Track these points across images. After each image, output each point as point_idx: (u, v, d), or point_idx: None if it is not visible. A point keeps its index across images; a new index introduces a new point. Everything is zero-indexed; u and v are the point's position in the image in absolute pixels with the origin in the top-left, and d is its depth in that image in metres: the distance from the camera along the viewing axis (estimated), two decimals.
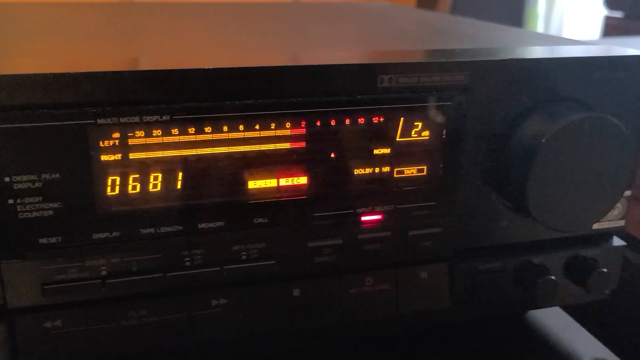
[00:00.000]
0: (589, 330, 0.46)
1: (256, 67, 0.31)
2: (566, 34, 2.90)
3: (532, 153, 0.33)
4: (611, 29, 1.59)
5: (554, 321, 0.46)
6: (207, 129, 0.32)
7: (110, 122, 0.29)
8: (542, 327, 0.46)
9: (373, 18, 0.61)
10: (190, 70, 0.30)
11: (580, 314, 0.49)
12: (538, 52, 0.37)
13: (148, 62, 0.33)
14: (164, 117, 0.30)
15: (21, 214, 0.29)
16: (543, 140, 0.33)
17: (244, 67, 0.31)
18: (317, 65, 0.32)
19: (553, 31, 2.98)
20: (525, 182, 0.34)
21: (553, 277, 0.38)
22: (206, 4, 0.69)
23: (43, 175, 0.29)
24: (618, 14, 1.62)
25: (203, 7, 0.65)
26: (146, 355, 0.34)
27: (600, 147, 0.34)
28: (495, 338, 0.44)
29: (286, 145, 0.33)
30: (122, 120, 0.29)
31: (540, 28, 2.94)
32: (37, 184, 0.29)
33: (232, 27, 0.53)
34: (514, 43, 0.43)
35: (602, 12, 1.70)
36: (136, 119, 0.30)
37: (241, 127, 0.32)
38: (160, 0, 0.84)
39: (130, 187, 0.31)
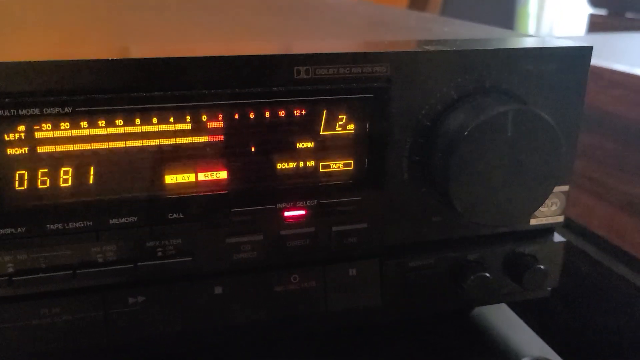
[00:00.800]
0: (535, 328, 0.45)
1: (167, 57, 0.30)
2: (557, 33, 2.89)
3: (455, 146, 0.33)
4: (595, 26, 1.59)
5: (499, 319, 0.46)
6: (119, 122, 0.31)
7: (14, 114, 0.29)
8: (486, 325, 0.45)
9: (319, 11, 0.60)
10: (93, 61, 0.29)
11: (530, 311, 0.48)
12: (466, 43, 0.36)
13: (50, 53, 0.32)
14: (66, 110, 0.29)
15: None
16: (465, 133, 0.32)
17: (156, 58, 0.30)
18: (232, 56, 0.31)
19: (544, 30, 2.97)
20: (448, 176, 0.33)
21: (487, 274, 0.37)
22: None
23: None
24: (602, 12, 1.62)
25: None
26: (61, 355, 0.33)
27: (526, 141, 0.33)
28: (438, 335, 0.44)
29: (204, 139, 0.32)
30: (21, 112, 0.29)
31: (531, 27, 2.93)
32: None
33: (165, 15, 0.51)
34: (445, 34, 0.42)
35: (587, 10, 1.69)
36: (37, 111, 0.29)
37: (155, 120, 0.31)
38: None
39: (39, 182, 0.30)
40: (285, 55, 0.32)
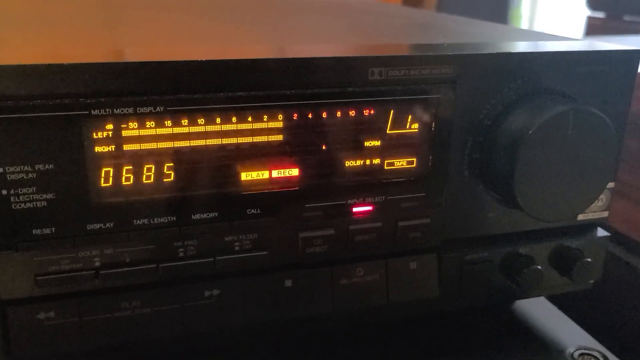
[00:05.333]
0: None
1: (249, 59, 0.32)
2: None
3: (519, 145, 0.34)
4: (593, 29, 1.62)
5: (540, 311, 0.47)
6: (200, 121, 0.32)
7: (104, 113, 0.30)
8: (528, 317, 0.47)
9: (359, 13, 0.61)
10: (183, 62, 0.30)
11: (564, 304, 0.50)
12: (524, 46, 0.37)
13: (140, 54, 0.33)
14: (158, 109, 0.30)
15: (15, 204, 0.30)
16: (529, 132, 0.34)
17: (237, 60, 0.31)
18: (310, 58, 0.32)
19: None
20: (512, 173, 0.34)
21: (539, 267, 0.39)
22: None
23: (37, 166, 0.29)
24: (600, 14, 1.65)
25: None
26: (139, 346, 0.34)
27: (584, 139, 0.35)
28: (483, 327, 0.45)
29: (278, 137, 0.34)
30: (115, 111, 0.30)
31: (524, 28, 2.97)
32: (30, 175, 0.29)
33: (220, 18, 0.53)
34: (500, 38, 0.44)
35: (585, 12, 1.73)
36: (130, 111, 0.30)
37: (234, 119, 0.32)
38: None
39: (123, 179, 0.31)
40: (362, 57, 0.33)
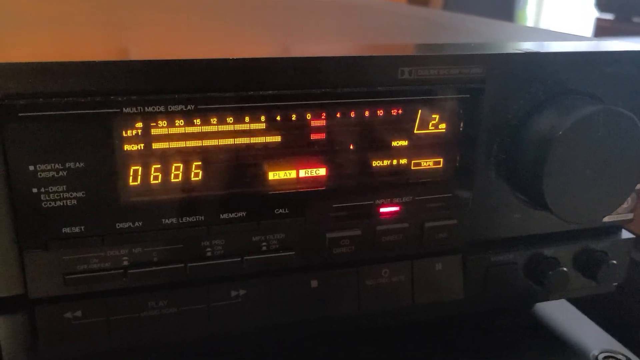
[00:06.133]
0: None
1: (280, 57, 0.31)
2: None
3: (548, 145, 0.34)
4: (602, 30, 1.61)
5: (561, 313, 0.47)
6: (229, 120, 0.32)
7: (136, 111, 0.29)
8: (549, 319, 0.46)
9: (374, 13, 0.61)
10: (215, 60, 0.30)
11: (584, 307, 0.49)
12: (552, 46, 0.37)
13: (169, 53, 0.33)
14: (189, 107, 0.30)
15: (45, 203, 0.29)
16: (560, 133, 0.34)
17: (269, 58, 0.31)
18: (340, 57, 0.32)
19: None
20: (541, 174, 0.34)
21: (565, 269, 0.39)
22: None
23: (67, 164, 0.29)
24: (609, 16, 1.65)
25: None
26: (165, 346, 0.34)
27: (613, 140, 0.35)
28: (504, 330, 0.45)
29: (306, 137, 0.33)
30: (147, 109, 0.30)
31: None
32: (61, 173, 0.29)
33: (233, 20, 0.53)
34: (524, 37, 0.43)
35: (593, 14, 1.72)
36: (161, 109, 0.30)
37: (262, 118, 0.32)
38: None
39: (152, 177, 0.31)
40: (392, 56, 0.33)
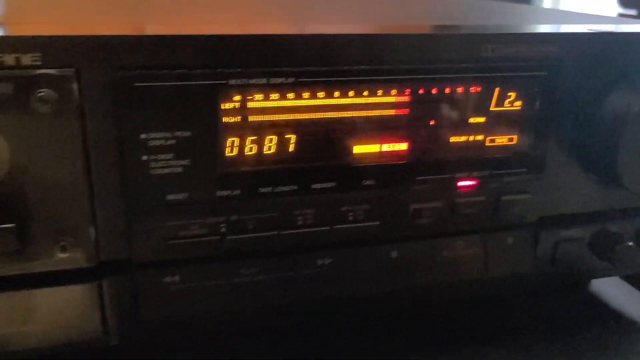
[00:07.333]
0: None
1: (371, 34, 0.33)
2: None
3: (624, 123, 0.35)
4: None
5: (616, 290, 0.48)
6: (320, 94, 0.33)
7: (240, 83, 0.31)
8: (606, 296, 0.48)
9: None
10: (314, 35, 0.31)
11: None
12: (625, 27, 0.38)
13: (266, 27, 0.34)
14: (289, 80, 0.32)
15: (153, 170, 0.31)
16: (636, 109, 0.35)
17: (362, 35, 0.33)
18: (431, 34, 0.34)
19: None
20: (616, 151, 0.35)
21: (631, 244, 0.40)
22: None
23: (175, 133, 0.31)
24: (632, 11, 1.65)
25: None
26: (253, 312, 0.36)
27: None
28: (560, 306, 0.46)
29: (391, 112, 0.35)
30: (251, 82, 0.31)
31: None
32: (169, 142, 0.31)
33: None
34: (586, 20, 0.45)
35: (615, 10, 1.73)
36: (263, 81, 0.31)
37: (351, 94, 0.34)
38: None
39: (250, 148, 0.33)
40: (479, 33, 0.34)
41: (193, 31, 0.30)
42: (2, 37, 0.27)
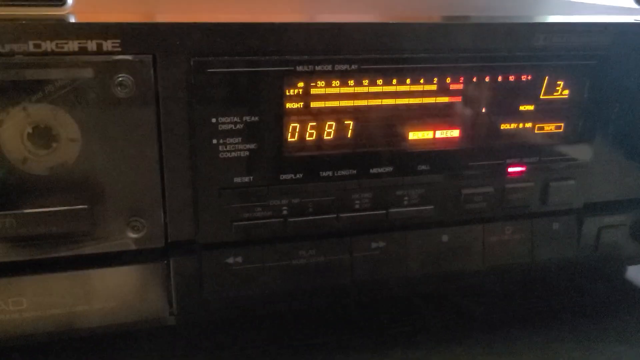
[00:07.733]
0: None
1: (427, 23, 0.34)
2: None
3: None
4: None
5: None
6: (379, 81, 0.34)
7: (307, 69, 0.32)
8: None
9: None
10: (376, 24, 0.33)
11: None
12: None
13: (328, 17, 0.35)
14: (353, 67, 0.33)
15: (222, 153, 0.32)
16: None
17: (427, 23, 0.34)
18: (488, 24, 0.35)
19: None
20: None
21: None
22: None
23: (245, 118, 0.32)
24: None
25: None
26: (310, 293, 0.37)
27: None
28: (596, 292, 0.47)
29: (445, 99, 0.36)
30: (317, 68, 0.32)
31: None
32: (238, 126, 0.32)
33: None
34: (625, 12, 0.46)
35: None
36: (329, 68, 0.32)
37: (408, 81, 0.35)
38: None
39: (312, 133, 0.34)
40: (531, 23, 0.35)
41: (261, 19, 0.31)
42: (86, 23, 0.28)
